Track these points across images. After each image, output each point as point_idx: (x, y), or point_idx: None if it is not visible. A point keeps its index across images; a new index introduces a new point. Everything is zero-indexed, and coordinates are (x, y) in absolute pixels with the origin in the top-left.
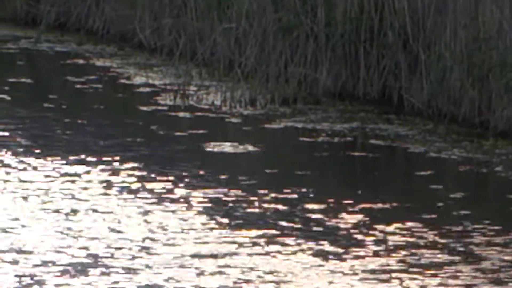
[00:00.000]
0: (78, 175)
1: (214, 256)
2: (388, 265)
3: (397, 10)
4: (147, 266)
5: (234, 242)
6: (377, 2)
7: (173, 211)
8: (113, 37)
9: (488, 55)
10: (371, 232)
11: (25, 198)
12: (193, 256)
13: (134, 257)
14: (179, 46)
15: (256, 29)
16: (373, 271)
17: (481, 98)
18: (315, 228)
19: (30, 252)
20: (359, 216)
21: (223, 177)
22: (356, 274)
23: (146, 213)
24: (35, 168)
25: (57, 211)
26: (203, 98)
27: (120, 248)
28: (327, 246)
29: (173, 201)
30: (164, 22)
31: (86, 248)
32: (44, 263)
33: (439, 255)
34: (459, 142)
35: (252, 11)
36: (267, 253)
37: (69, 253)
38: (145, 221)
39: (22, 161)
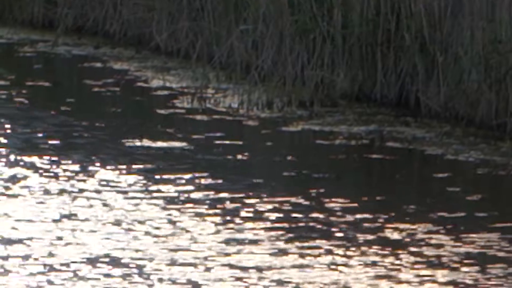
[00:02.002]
0: (94, 177)
1: (227, 254)
2: (407, 266)
3: (414, 12)
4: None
5: (250, 244)
6: (393, 5)
7: (191, 214)
8: (130, 40)
9: (505, 57)
10: (388, 234)
11: (43, 202)
12: (215, 255)
13: (172, 263)
14: (196, 49)
15: (273, 31)
16: (389, 273)
17: (498, 100)
18: (332, 229)
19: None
20: (377, 219)
21: (240, 180)
22: (374, 276)
23: (174, 217)
24: (53, 171)
25: (74, 214)
26: (220, 101)
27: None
28: (344, 248)
29: (189, 203)
30: (181, 25)
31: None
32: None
33: (456, 257)
34: (476, 145)
35: (269, 14)
36: (284, 253)
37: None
38: (172, 223)
39: (41, 164)
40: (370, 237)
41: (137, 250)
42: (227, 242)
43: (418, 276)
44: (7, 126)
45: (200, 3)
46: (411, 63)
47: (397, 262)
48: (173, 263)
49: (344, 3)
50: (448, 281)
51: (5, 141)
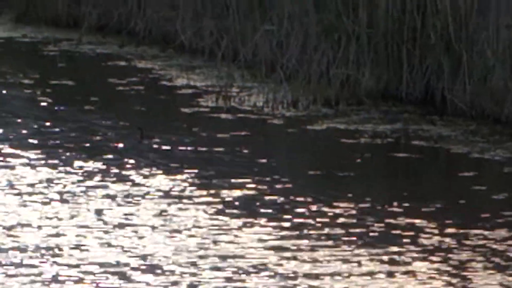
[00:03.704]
0: (119, 176)
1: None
2: (432, 266)
3: (440, 10)
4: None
5: (280, 246)
6: (419, 2)
7: (214, 213)
8: (155, 39)
9: None
10: (414, 233)
11: (65, 200)
12: (233, 256)
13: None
14: (221, 47)
15: (298, 30)
16: (414, 272)
17: None
18: (353, 230)
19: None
20: (402, 217)
21: (265, 179)
22: (402, 273)
23: (196, 216)
24: (78, 169)
25: (98, 211)
26: (245, 99)
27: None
28: (370, 247)
29: (213, 203)
30: (206, 23)
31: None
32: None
33: (481, 257)
34: (502, 143)
35: (294, 12)
36: (308, 255)
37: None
38: (196, 225)
39: (65, 162)
40: (395, 235)
41: (178, 255)
42: (268, 247)
43: (444, 276)
44: (32, 125)
45: (224, 1)
46: (436, 61)
47: (429, 265)
48: (217, 269)
49: (370, 1)
50: (478, 281)
51: (30, 140)
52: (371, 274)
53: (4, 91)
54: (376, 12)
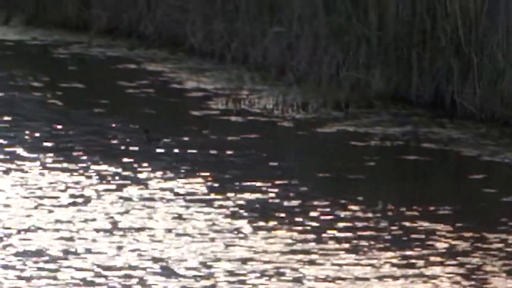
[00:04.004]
0: (130, 179)
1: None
2: (448, 269)
3: (449, 13)
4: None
5: (295, 249)
6: (429, 5)
7: (225, 216)
8: (165, 42)
9: None
10: (427, 236)
11: (76, 203)
12: (248, 260)
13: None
14: (231, 50)
15: (308, 32)
16: (430, 276)
17: None
18: (366, 233)
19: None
20: (415, 221)
21: (275, 182)
22: (412, 276)
23: (210, 219)
24: (87, 172)
25: (113, 215)
26: (255, 102)
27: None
28: (385, 250)
29: (225, 206)
30: (216, 26)
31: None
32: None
33: (496, 261)
34: None
35: (303, 14)
36: (319, 259)
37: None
38: (210, 227)
39: (78, 165)
40: (405, 238)
41: (193, 258)
42: (283, 251)
43: (456, 278)
44: (44, 128)
45: (234, 4)
46: (446, 64)
47: (445, 269)
48: (231, 273)
49: (380, 4)
50: (494, 285)
51: (43, 144)
52: (388, 277)
53: (14, 94)
54: (386, 14)
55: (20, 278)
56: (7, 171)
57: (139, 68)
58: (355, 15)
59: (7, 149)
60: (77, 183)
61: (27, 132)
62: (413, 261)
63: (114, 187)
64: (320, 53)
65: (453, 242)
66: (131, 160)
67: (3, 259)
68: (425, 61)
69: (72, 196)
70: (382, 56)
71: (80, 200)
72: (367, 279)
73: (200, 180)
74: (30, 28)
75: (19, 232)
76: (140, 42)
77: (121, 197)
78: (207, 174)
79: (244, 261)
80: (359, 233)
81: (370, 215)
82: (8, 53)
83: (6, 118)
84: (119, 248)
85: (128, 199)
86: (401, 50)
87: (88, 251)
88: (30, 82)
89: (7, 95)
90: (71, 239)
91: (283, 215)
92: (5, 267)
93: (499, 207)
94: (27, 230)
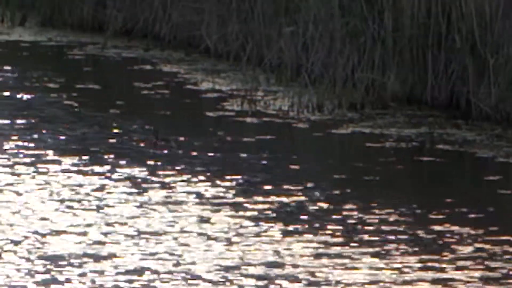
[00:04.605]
0: (145, 181)
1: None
2: (467, 273)
3: (465, 14)
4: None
5: (319, 253)
6: (444, 7)
7: (251, 219)
8: (180, 43)
9: None
10: (439, 237)
11: (100, 206)
12: (275, 264)
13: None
14: (246, 51)
15: (323, 34)
16: (440, 278)
17: None
18: (382, 234)
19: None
20: (426, 221)
21: (290, 182)
22: (446, 281)
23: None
24: (102, 174)
25: (131, 217)
26: (270, 103)
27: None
28: (408, 254)
29: (250, 209)
30: (231, 27)
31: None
32: None
33: (508, 263)
34: None
35: (319, 16)
36: (332, 262)
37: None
38: (236, 230)
39: (91, 166)
40: (422, 240)
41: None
42: (307, 254)
43: (472, 279)
44: (58, 129)
45: (249, 5)
46: (462, 65)
47: (452, 266)
48: (257, 277)
49: (395, 6)
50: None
51: (56, 144)
52: (413, 282)
53: (30, 96)
54: (401, 16)
55: (43, 282)
56: (30, 174)
57: (154, 69)
58: (370, 16)
59: (28, 152)
60: (101, 186)
61: (46, 133)
62: (440, 265)
63: (135, 190)
64: (335, 55)
65: (477, 246)
66: (144, 162)
67: (26, 262)
68: (441, 62)
69: (96, 199)
70: (397, 58)
71: (103, 203)
72: (395, 283)
73: (219, 182)
74: (46, 29)
75: (43, 235)
76: (156, 43)
77: (141, 200)
78: (221, 174)
79: (271, 265)
80: (384, 236)
81: (391, 218)
82: (24, 54)
83: (24, 120)
84: (143, 252)
85: (145, 202)
86: (417, 52)
87: (113, 255)
88: (46, 83)
89: (24, 96)
90: (95, 242)
91: (306, 218)
92: (29, 270)
93: None
94: (50, 234)
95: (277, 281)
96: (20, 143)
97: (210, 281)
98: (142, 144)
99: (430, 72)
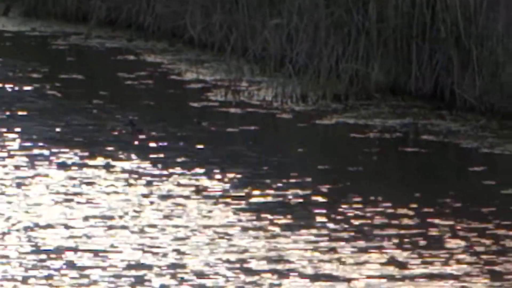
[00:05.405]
0: (127, 171)
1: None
2: (445, 259)
3: (449, 5)
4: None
5: (293, 241)
6: None
7: (227, 209)
8: (164, 33)
9: None
10: (423, 228)
11: (74, 194)
12: (245, 250)
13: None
14: (230, 42)
15: (307, 24)
16: (426, 268)
17: None
18: (366, 223)
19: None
20: (411, 212)
21: (274, 173)
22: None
23: (207, 211)
24: (85, 164)
25: (102, 206)
26: (254, 94)
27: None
28: (379, 241)
29: (220, 199)
30: (215, 18)
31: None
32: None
33: (492, 251)
34: (511, 138)
35: (304, 6)
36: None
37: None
38: (207, 219)
39: (73, 156)
40: (402, 229)
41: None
42: (301, 248)
43: (455, 268)
44: (41, 119)
45: None
46: (446, 56)
47: (434, 256)
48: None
49: None
50: (485, 275)
51: (39, 135)
52: (414, 277)
53: (14, 86)
54: (386, 7)
55: (41, 276)
56: (25, 167)
57: (138, 60)
58: (354, 7)
59: (12, 143)
60: (89, 178)
61: (30, 124)
62: (427, 259)
63: (120, 182)
64: (319, 45)
65: (453, 234)
66: (127, 152)
67: (19, 254)
68: (425, 53)
69: (95, 191)
70: (381, 48)
71: (94, 196)
72: (395, 278)
73: (195, 170)
74: (30, 19)
75: (40, 227)
76: (140, 33)
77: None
78: (205, 164)
79: (267, 258)
80: (353, 221)
81: (367, 206)
82: (7, 44)
83: (8, 112)
84: (138, 246)
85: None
86: (401, 42)
87: (107, 249)
88: (29, 74)
89: (7, 87)
90: (90, 236)
91: (289, 210)
92: (21, 264)
93: (498, 199)
94: (48, 226)
95: (271, 276)
96: (3, 134)
97: (208, 275)
98: (123, 133)
99: (415, 62)
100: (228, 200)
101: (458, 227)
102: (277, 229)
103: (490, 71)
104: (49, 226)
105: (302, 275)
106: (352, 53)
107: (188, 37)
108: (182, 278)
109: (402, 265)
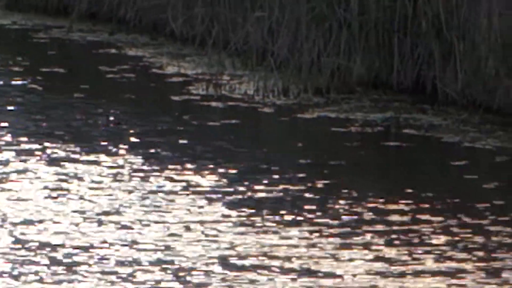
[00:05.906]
0: (110, 166)
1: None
2: (426, 254)
3: None
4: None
5: (274, 233)
6: None
7: (209, 203)
8: (145, 27)
9: None
10: (404, 221)
11: (88, 195)
12: (233, 247)
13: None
14: (212, 35)
15: (289, 18)
16: (403, 261)
17: None
18: (347, 217)
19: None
20: (392, 206)
21: (255, 167)
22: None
23: (189, 206)
24: (67, 158)
25: (90, 201)
26: (235, 87)
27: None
28: (358, 236)
29: (204, 192)
30: (197, 11)
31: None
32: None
33: (474, 245)
34: (493, 132)
35: (285, 0)
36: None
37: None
38: (187, 214)
39: (55, 150)
40: (385, 224)
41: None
42: (290, 245)
43: (438, 262)
44: (22, 113)
45: None
46: (428, 50)
47: (413, 250)
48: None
49: None
50: (467, 269)
51: (21, 128)
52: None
53: None
54: (367, 0)
55: (30, 271)
56: (14, 163)
57: (119, 53)
58: (336, 1)
59: (7, 139)
60: (88, 173)
61: (10, 117)
62: (413, 255)
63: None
64: (301, 39)
65: (433, 228)
66: (109, 146)
67: (10, 250)
68: (406, 47)
69: (85, 187)
70: (363, 42)
71: (82, 192)
72: (386, 275)
73: (177, 165)
74: (11, 13)
75: (29, 222)
76: (121, 27)
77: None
78: (187, 158)
79: (256, 254)
80: (334, 215)
81: (349, 200)
82: None
83: None
84: (129, 242)
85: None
86: (382, 36)
87: (97, 245)
88: (10, 67)
89: None
90: (81, 231)
91: (271, 204)
92: (12, 261)
93: (480, 193)
94: (36, 222)
95: (260, 271)
96: None
97: (197, 272)
98: (110, 127)
99: (396, 56)
100: (217, 195)
101: (437, 221)
102: (265, 225)
103: (472, 65)
104: (37, 221)
105: (290, 271)
106: (334, 47)
107: (169, 30)
108: (171, 274)
109: (390, 262)
